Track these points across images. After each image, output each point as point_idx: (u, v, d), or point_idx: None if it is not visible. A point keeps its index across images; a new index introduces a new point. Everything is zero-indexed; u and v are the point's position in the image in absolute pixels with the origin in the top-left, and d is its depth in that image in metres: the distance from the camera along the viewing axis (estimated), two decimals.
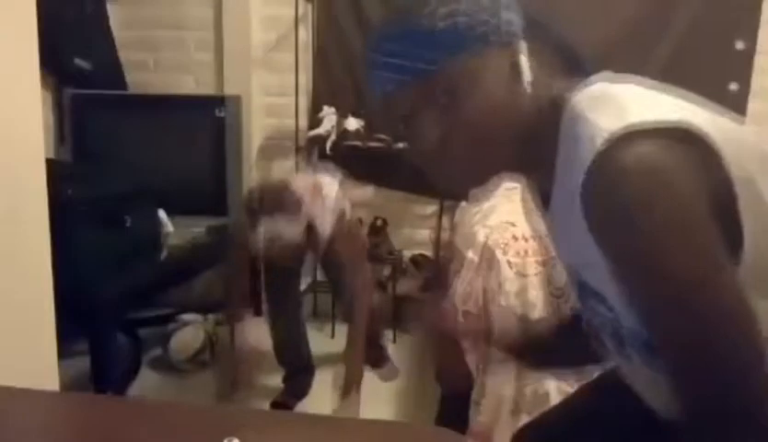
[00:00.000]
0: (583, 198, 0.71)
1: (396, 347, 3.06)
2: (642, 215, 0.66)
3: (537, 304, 1.93)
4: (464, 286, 2.03)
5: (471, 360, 2.01)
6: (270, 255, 2.18)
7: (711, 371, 0.68)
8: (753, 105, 3.06)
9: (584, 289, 0.88)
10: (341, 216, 2.32)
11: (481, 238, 2.07)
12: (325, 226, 2.22)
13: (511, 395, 1.97)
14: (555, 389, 1.93)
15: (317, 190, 2.27)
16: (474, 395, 2.01)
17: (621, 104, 0.73)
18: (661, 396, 0.86)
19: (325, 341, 3.07)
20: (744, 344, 0.67)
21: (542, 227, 1.99)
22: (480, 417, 2.00)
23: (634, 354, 0.84)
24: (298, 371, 2.60)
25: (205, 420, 1.04)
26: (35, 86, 1.68)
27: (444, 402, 2.32)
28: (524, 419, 1.95)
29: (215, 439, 0.89)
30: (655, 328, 0.72)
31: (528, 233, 2.01)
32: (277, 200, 2.15)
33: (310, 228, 2.19)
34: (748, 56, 3.04)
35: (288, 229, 2.10)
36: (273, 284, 2.49)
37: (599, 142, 0.69)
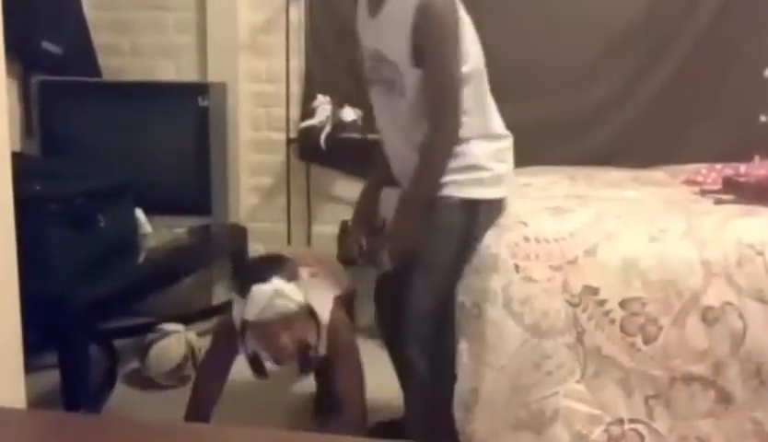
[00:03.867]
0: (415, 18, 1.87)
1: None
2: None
3: (549, 312, 1.94)
4: None
5: (459, 351, 2.02)
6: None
7: None
8: None
9: (381, 59, 2.00)
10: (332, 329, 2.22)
11: (488, 236, 2.07)
12: (324, 309, 2.15)
13: (508, 407, 1.97)
14: (567, 407, 1.93)
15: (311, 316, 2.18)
16: (464, 396, 2.01)
17: None
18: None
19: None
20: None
21: (559, 229, 2.01)
22: (472, 425, 2.00)
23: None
24: None
25: (186, 439, 1.05)
26: None
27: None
28: (528, 437, 1.96)
29: None
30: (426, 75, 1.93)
31: (541, 235, 2.01)
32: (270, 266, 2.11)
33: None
34: None
35: (289, 294, 2.05)
36: None
37: None
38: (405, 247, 2.02)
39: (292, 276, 2.07)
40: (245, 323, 2.05)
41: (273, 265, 2.10)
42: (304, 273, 2.19)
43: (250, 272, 2.18)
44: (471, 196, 2.01)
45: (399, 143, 2.09)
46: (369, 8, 2.03)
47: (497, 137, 2.09)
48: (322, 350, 2.16)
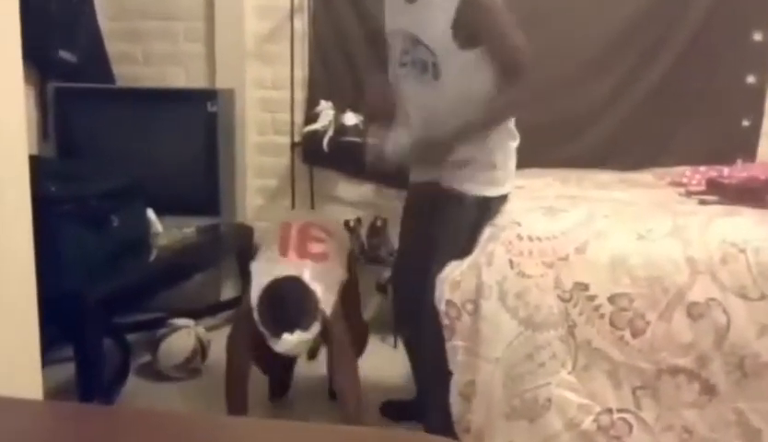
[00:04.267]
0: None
1: (396, 352, 3.06)
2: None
3: (541, 307, 1.94)
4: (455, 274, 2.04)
5: (450, 347, 2.02)
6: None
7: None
8: None
9: (417, 43, 2.01)
10: (342, 288, 2.27)
11: (484, 234, 2.08)
12: (327, 304, 2.13)
13: (503, 397, 1.98)
14: (559, 396, 1.94)
15: (316, 254, 2.22)
16: (461, 387, 2.02)
17: None
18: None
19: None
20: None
21: (551, 228, 2.01)
22: (470, 415, 2.01)
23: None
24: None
25: (197, 430, 1.04)
26: (18, 79, 1.69)
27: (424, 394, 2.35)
28: (522, 425, 1.96)
29: None
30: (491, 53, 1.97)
31: (534, 233, 2.01)
32: (294, 307, 2.06)
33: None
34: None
35: (309, 334, 2.05)
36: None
37: None
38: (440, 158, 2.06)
39: (315, 306, 2.07)
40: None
41: (296, 302, 2.07)
42: (312, 252, 2.21)
43: (277, 311, 2.08)
44: (486, 194, 2.13)
45: (430, 119, 2.09)
46: None
47: (515, 137, 2.19)
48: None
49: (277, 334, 2.02)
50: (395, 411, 2.54)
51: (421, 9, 2.01)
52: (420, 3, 2.01)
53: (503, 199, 2.17)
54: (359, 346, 2.48)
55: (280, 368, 2.62)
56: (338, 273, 2.28)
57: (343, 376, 2.23)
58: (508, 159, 2.17)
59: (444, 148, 2.04)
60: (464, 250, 2.07)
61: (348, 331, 2.26)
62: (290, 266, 2.14)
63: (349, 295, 2.38)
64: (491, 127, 2.07)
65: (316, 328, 2.07)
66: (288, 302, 2.06)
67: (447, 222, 2.13)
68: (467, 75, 2.01)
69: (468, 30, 1.95)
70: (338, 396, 2.27)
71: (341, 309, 2.23)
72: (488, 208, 2.12)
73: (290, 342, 2.01)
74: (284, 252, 2.21)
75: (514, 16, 1.99)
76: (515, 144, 2.19)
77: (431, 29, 1.99)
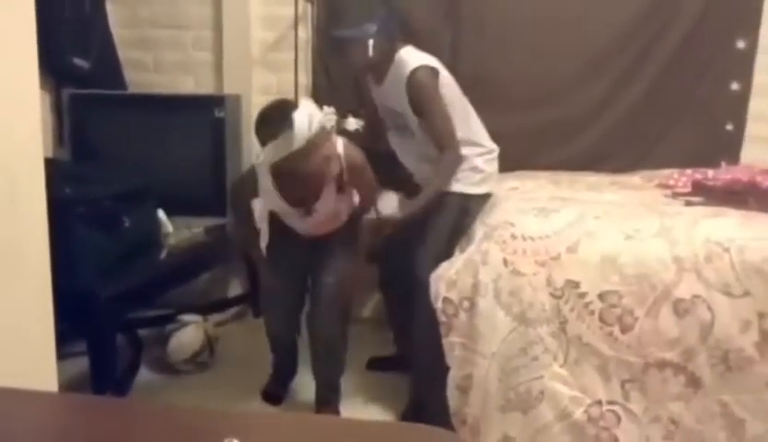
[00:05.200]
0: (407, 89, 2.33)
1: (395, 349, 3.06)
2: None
3: (534, 304, 1.94)
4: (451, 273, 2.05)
5: (447, 343, 2.02)
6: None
7: None
8: (755, 104, 3.08)
9: (394, 113, 2.47)
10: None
11: (479, 234, 2.09)
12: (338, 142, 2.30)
13: (498, 390, 1.98)
14: (551, 388, 1.94)
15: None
16: (458, 381, 2.02)
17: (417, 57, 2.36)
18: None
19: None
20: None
21: (544, 228, 2.01)
22: (467, 408, 2.01)
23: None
24: (284, 355, 2.62)
25: (205, 422, 1.05)
26: (33, 85, 1.69)
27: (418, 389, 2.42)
28: (516, 417, 1.97)
29: (215, 441, 0.90)
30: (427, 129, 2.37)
31: (527, 233, 2.01)
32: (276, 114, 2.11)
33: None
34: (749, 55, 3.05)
35: (295, 138, 2.03)
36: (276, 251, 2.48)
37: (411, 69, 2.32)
38: (399, 219, 2.40)
39: (293, 109, 2.09)
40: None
41: (284, 110, 2.08)
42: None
43: (269, 122, 2.11)
44: (466, 191, 2.44)
45: (415, 163, 2.60)
46: (375, 80, 2.51)
47: (488, 150, 2.54)
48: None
49: (263, 145, 2.06)
50: (379, 365, 2.83)
51: (387, 89, 2.47)
52: (385, 85, 2.47)
53: (483, 198, 2.47)
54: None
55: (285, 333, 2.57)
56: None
57: (364, 188, 2.38)
58: (484, 164, 2.50)
59: (420, 212, 2.37)
60: (449, 241, 2.33)
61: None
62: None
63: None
64: (446, 186, 2.42)
65: (302, 133, 2.01)
66: (269, 115, 2.12)
67: (435, 214, 2.39)
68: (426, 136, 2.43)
69: (415, 109, 2.39)
70: (360, 203, 2.41)
71: (359, 151, 2.34)
72: (469, 204, 2.43)
73: (277, 148, 2.00)
74: None
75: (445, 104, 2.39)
76: (488, 155, 2.53)
77: (397, 102, 2.43)
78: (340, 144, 2.28)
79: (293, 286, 2.47)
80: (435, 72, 2.39)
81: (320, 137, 2.07)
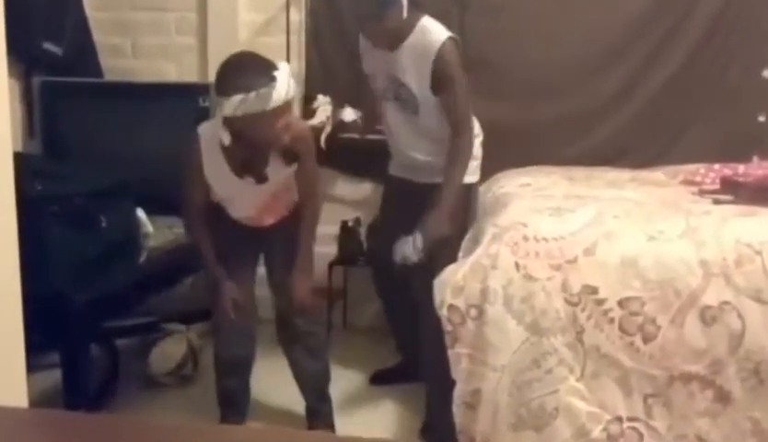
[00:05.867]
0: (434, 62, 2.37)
1: (399, 358, 3.07)
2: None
3: (548, 311, 1.94)
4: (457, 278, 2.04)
5: (453, 355, 2.02)
6: None
7: None
8: None
9: (399, 84, 2.48)
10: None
11: (488, 235, 2.08)
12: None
13: (508, 406, 1.97)
14: (567, 404, 1.94)
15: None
16: (465, 396, 2.01)
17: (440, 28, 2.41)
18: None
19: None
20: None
21: (559, 229, 2.01)
22: (475, 426, 2.00)
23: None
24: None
25: (188, 439, 1.05)
26: (1, 73, 1.69)
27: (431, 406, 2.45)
28: (529, 435, 1.96)
29: None
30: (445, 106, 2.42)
31: (540, 234, 2.01)
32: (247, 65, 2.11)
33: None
34: None
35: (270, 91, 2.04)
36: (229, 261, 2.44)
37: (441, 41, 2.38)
38: (444, 232, 2.35)
39: (271, 64, 2.10)
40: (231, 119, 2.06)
41: (266, 65, 2.09)
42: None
43: (244, 73, 2.08)
44: (468, 181, 2.51)
45: (408, 140, 2.60)
46: (386, 46, 2.46)
47: (478, 133, 2.61)
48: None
49: (228, 95, 2.01)
50: (384, 378, 2.89)
51: (401, 57, 2.45)
52: (400, 52, 2.44)
53: (476, 186, 2.66)
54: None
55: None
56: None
57: (306, 171, 2.34)
58: (479, 150, 2.61)
59: (448, 220, 2.38)
60: (455, 233, 2.41)
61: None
62: None
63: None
64: (464, 176, 2.47)
65: (278, 88, 2.03)
66: (245, 65, 2.09)
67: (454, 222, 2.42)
68: (436, 115, 2.46)
69: (436, 84, 2.41)
70: (299, 194, 2.38)
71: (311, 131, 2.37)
72: (470, 195, 2.57)
73: (244, 100, 1.99)
74: None
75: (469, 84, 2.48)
76: (480, 139, 2.63)
77: (410, 74, 2.44)
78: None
79: (249, 294, 2.48)
80: (459, 46, 2.42)
81: (289, 104, 2.13)
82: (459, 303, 2.00)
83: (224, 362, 2.50)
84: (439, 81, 2.39)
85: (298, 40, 3.36)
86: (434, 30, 2.40)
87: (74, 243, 2.34)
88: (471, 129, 2.45)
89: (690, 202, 2.34)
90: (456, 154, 2.42)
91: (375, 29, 2.44)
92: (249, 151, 2.19)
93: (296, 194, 2.41)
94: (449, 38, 2.39)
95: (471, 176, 2.56)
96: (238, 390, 2.54)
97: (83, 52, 3.35)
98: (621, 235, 1.99)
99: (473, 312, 1.99)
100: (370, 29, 2.46)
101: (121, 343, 2.96)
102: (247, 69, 2.07)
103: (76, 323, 2.30)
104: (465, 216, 2.55)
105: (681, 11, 3.06)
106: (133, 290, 2.61)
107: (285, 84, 2.05)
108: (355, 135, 3.14)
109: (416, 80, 2.43)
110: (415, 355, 2.60)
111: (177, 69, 3.49)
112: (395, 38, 2.43)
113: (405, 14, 2.36)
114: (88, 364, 2.41)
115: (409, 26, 2.41)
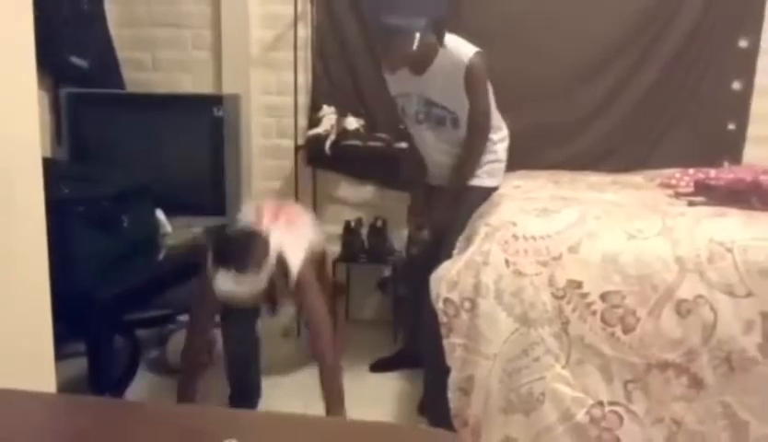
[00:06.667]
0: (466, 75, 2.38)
1: (398, 347, 3.06)
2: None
3: (536, 304, 1.94)
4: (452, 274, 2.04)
5: (448, 344, 2.02)
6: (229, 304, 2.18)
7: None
8: (757, 103, 3.08)
9: (432, 105, 2.49)
10: (312, 254, 2.31)
11: (480, 234, 2.08)
12: (294, 261, 2.18)
13: (499, 391, 1.97)
14: (553, 389, 1.93)
15: (288, 221, 2.29)
16: (459, 382, 2.01)
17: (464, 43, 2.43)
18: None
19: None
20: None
21: (545, 228, 2.01)
22: (469, 410, 2.00)
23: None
24: (244, 394, 2.56)
25: (204, 422, 1.04)
26: (31, 85, 1.69)
27: (427, 390, 2.39)
28: (518, 418, 1.96)
29: (214, 441, 0.90)
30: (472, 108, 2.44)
31: (528, 233, 2.01)
32: (241, 248, 2.08)
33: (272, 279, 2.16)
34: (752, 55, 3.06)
35: (251, 282, 2.05)
36: (229, 319, 2.47)
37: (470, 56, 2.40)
38: (447, 220, 2.46)
39: (263, 254, 2.07)
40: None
41: (245, 244, 2.08)
42: (282, 219, 2.25)
43: (224, 248, 2.11)
44: (489, 185, 2.55)
45: (443, 159, 2.61)
46: (413, 70, 2.47)
47: (506, 137, 2.64)
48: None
49: (218, 270, 2.01)
50: (384, 365, 2.88)
51: (431, 79, 2.45)
52: (428, 74, 2.45)
53: (496, 190, 2.57)
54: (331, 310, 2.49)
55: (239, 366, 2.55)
56: (303, 241, 2.29)
57: (318, 337, 2.21)
58: (503, 152, 2.63)
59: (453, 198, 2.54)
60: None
61: (321, 293, 2.29)
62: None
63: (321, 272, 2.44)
64: (476, 168, 2.56)
65: (260, 278, 2.04)
66: (238, 246, 2.07)
67: (459, 210, 2.46)
68: None
69: (467, 90, 2.44)
70: (315, 357, 2.24)
71: (312, 278, 2.25)
72: (488, 198, 2.49)
73: (228, 281, 1.99)
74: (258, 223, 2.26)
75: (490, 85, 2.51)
76: (507, 142, 2.65)
77: (444, 92, 2.45)
78: (297, 258, 2.21)
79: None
80: (485, 59, 2.44)
81: (280, 270, 2.12)
82: (454, 296, 2.00)
83: (231, 354, 2.53)
84: (467, 92, 2.42)
85: (305, 55, 3.36)
86: (460, 48, 2.40)
87: (98, 242, 2.34)
88: (486, 133, 2.51)
89: (666, 203, 2.34)
90: (470, 152, 2.50)
91: (390, 61, 2.45)
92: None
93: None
94: (478, 51, 2.40)
95: (494, 179, 2.58)
96: (247, 381, 2.56)
97: (107, 65, 3.35)
98: (602, 234, 1.99)
99: (467, 305, 2.00)
100: (386, 62, 2.48)
101: (140, 333, 2.96)
102: (241, 252, 2.05)
103: (100, 316, 2.30)
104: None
105: (659, 27, 3.05)
106: (152, 285, 2.61)
107: (272, 264, 2.06)
108: (358, 142, 3.14)
109: (451, 98, 2.44)
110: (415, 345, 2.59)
111: (193, 81, 3.49)
112: (419, 63, 2.42)
113: (419, 43, 2.32)
114: (111, 353, 2.41)
115: (434, 52, 2.40)
